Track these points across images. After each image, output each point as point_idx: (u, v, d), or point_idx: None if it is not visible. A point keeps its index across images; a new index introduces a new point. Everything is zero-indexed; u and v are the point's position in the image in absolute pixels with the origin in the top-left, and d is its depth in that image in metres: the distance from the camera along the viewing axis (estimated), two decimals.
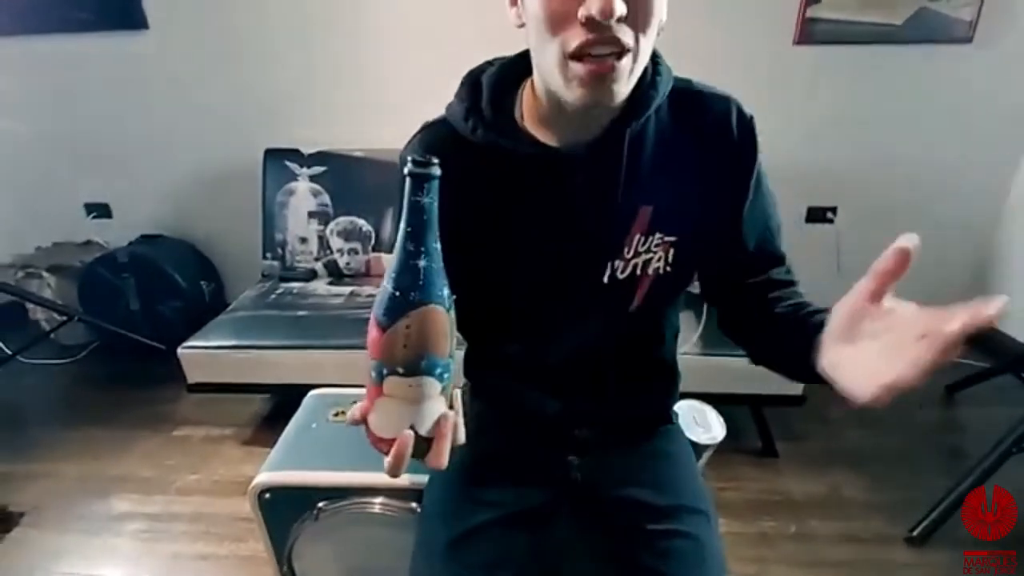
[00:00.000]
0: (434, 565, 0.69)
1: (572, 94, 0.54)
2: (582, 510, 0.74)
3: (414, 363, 0.46)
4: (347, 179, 2.04)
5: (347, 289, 1.94)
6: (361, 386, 0.51)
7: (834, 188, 2.17)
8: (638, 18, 0.51)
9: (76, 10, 2.03)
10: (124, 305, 2.17)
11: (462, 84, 0.66)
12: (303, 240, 2.06)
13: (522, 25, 0.57)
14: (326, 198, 2.04)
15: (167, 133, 2.23)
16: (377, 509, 0.90)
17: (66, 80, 2.16)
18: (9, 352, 2.05)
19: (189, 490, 1.55)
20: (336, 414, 1.04)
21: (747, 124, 0.64)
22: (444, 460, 0.48)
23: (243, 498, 1.44)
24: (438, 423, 0.48)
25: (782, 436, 1.67)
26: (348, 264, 2.07)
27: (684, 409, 1.00)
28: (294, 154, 2.06)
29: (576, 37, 0.50)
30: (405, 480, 0.90)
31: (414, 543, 0.75)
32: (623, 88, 0.54)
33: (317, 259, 2.07)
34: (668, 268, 0.66)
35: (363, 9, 2.00)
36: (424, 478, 0.84)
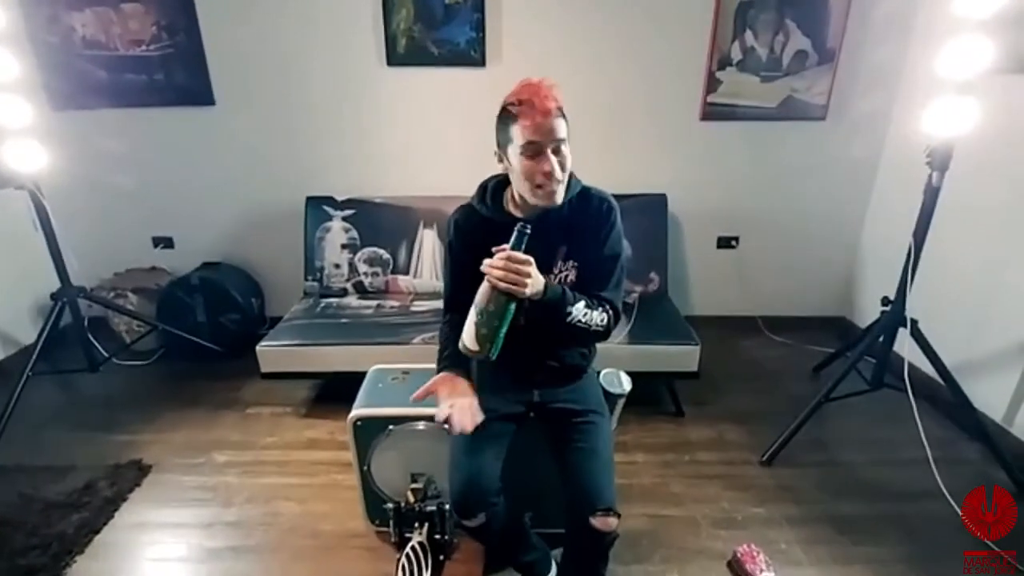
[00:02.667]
0: (465, 439, 1.33)
1: (538, 201, 1.21)
2: (541, 414, 1.40)
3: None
4: (371, 219, 2.70)
5: (374, 302, 2.59)
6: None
7: (736, 222, 2.89)
8: (564, 169, 1.18)
9: (162, 90, 2.67)
10: (192, 318, 2.78)
11: (478, 188, 1.34)
12: (337, 266, 2.70)
13: (501, 162, 1.24)
14: (355, 233, 2.69)
15: (226, 184, 2.86)
16: (422, 427, 1.55)
17: (149, 141, 2.79)
18: (106, 355, 2.64)
19: (269, 447, 2.16)
20: (393, 378, 1.69)
21: (608, 209, 1.31)
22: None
23: (310, 451, 2.08)
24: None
25: (689, 402, 2.36)
26: (371, 284, 2.71)
27: (605, 373, 1.65)
28: (330, 200, 2.71)
29: (541, 180, 1.17)
30: None
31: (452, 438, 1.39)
32: (561, 195, 1.22)
33: (347, 280, 2.71)
34: (576, 278, 1.33)
35: (382, 95, 2.69)
36: None
